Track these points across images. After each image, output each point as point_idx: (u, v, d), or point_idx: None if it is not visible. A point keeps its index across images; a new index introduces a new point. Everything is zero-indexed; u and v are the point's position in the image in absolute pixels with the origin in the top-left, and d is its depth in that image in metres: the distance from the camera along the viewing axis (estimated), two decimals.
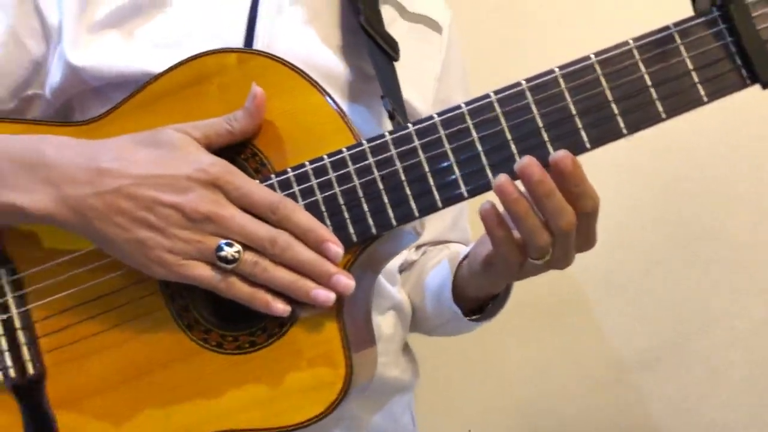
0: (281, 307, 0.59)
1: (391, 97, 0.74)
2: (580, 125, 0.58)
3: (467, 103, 0.60)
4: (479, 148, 0.59)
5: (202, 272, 0.57)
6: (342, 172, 0.61)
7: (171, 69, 0.65)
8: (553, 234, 0.59)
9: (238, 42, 0.74)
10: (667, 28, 0.58)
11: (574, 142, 0.58)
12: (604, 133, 0.58)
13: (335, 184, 0.61)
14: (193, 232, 0.57)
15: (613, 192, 1.14)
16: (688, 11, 0.59)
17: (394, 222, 0.60)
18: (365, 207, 0.60)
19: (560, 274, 0.66)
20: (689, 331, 1.29)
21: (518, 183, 0.58)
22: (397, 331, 0.84)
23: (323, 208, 0.61)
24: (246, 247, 0.58)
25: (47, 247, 0.64)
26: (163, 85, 0.64)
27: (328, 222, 0.61)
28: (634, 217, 1.23)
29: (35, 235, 0.64)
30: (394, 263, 0.86)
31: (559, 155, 0.57)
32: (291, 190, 0.61)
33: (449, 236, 0.94)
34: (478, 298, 0.79)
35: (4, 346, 0.62)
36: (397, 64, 0.80)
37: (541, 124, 0.58)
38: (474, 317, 0.80)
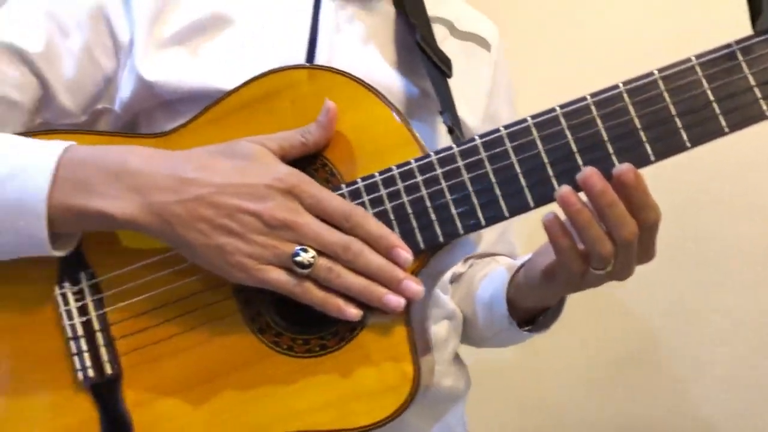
0: (353, 312, 0.61)
1: (447, 112, 0.77)
2: (644, 139, 0.60)
3: (533, 117, 0.62)
4: (545, 159, 0.61)
5: (279, 276, 0.60)
6: (410, 182, 0.63)
7: (243, 85, 0.67)
8: (615, 244, 0.61)
9: (301, 56, 0.77)
10: (729, 45, 0.60)
11: (638, 155, 0.60)
12: (669, 147, 0.60)
13: (403, 194, 0.63)
14: (271, 238, 0.59)
15: None
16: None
17: (461, 231, 0.62)
18: (433, 216, 0.63)
19: None
20: (670, 327, 1.32)
21: (581, 195, 0.60)
22: (450, 340, 0.86)
23: (392, 217, 0.63)
24: (320, 253, 0.60)
25: (124, 252, 0.66)
26: (236, 100, 0.67)
27: (396, 230, 0.63)
28: None
29: (113, 241, 0.66)
30: (446, 274, 0.88)
31: (623, 168, 0.59)
32: (361, 200, 0.63)
33: (496, 249, 0.96)
34: (528, 310, 0.81)
35: (84, 347, 0.65)
36: (449, 81, 0.83)
37: (606, 138, 0.60)
38: (526, 329, 0.81)
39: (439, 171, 0.63)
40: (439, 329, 0.83)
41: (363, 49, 0.81)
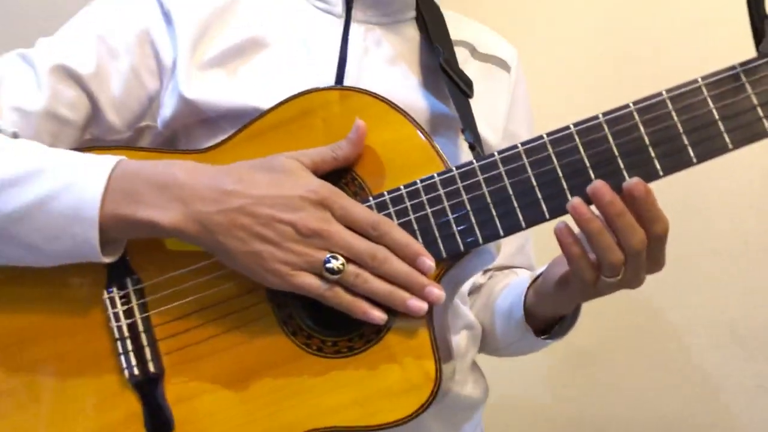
0: (378, 315, 0.65)
1: (469, 130, 0.81)
2: (653, 155, 0.64)
3: (548, 134, 0.66)
4: (559, 173, 0.65)
5: (311, 281, 0.64)
6: (433, 195, 0.68)
7: (279, 104, 0.73)
8: (624, 253, 0.65)
9: (330, 79, 0.82)
10: (733, 67, 0.64)
11: (647, 171, 0.64)
12: (676, 163, 0.64)
13: (427, 206, 0.68)
14: (304, 246, 0.64)
15: None
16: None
17: (481, 240, 0.67)
18: (454, 227, 0.67)
19: None
20: (630, 325, 1.37)
21: (593, 208, 0.64)
22: (468, 349, 0.90)
23: (416, 227, 0.67)
24: (349, 260, 0.64)
25: (166, 260, 0.71)
26: (273, 119, 0.72)
27: (420, 239, 0.67)
28: None
29: (156, 249, 0.71)
30: (465, 286, 0.92)
31: (632, 182, 0.63)
32: (387, 211, 0.68)
33: (515, 261, 0.99)
34: (546, 318, 0.84)
35: (129, 347, 0.70)
36: (471, 101, 0.87)
37: (617, 153, 0.64)
38: (543, 336, 0.85)
39: (460, 184, 0.67)
40: (458, 339, 0.87)
41: (389, 70, 0.86)
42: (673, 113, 0.64)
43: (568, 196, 0.65)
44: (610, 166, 0.64)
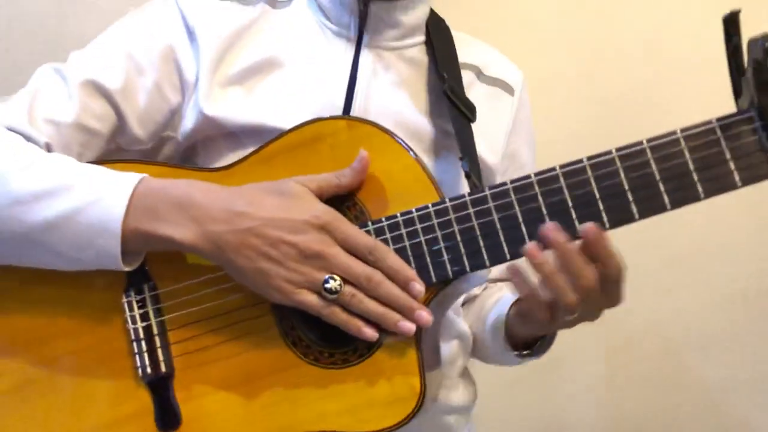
0: (371, 333, 0.71)
1: (467, 156, 0.86)
2: (630, 199, 0.69)
3: (536, 174, 0.72)
4: (544, 211, 0.71)
5: (311, 299, 0.70)
6: (427, 224, 0.73)
7: (293, 129, 0.78)
8: (577, 293, 0.70)
9: (340, 99, 0.88)
10: (710, 122, 0.69)
11: (624, 217, 0.69)
12: (652, 209, 0.69)
13: (420, 234, 0.73)
14: (306, 266, 0.70)
15: None
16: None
17: (468, 269, 0.72)
18: (444, 255, 0.73)
19: None
20: (588, 329, 1.42)
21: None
22: (459, 358, 0.95)
23: (409, 253, 0.73)
24: (346, 281, 0.71)
25: (181, 270, 0.77)
26: (285, 142, 0.78)
27: (412, 264, 0.73)
28: None
29: (173, 260, 0.77)
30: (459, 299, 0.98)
31: (585, 226, 0.69)
32: (384, 236, 0.74)
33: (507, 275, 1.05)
34: (526, 338, 0.90)
35: (144, 347, 0.76)
36: (473, 123, 0.92)
37: (597, 196, 0.70)
38: (526, 352, 0.91)
39: (452, 216, 0.73)
40: (450, 347, 0.93)
41: (397, 94, 0.91)
42: (652, 162, 0.69)
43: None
44: (591, 208, 0.70)
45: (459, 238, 0.73)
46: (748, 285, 1.44)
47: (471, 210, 0.73)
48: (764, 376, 1.45)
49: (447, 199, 0.74)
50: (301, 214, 0.71)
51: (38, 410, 0.76)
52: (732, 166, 0.68)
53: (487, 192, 0.73)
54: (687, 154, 0.69)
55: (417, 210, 0.74)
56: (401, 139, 0.77)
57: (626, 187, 0.70)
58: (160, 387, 0.76)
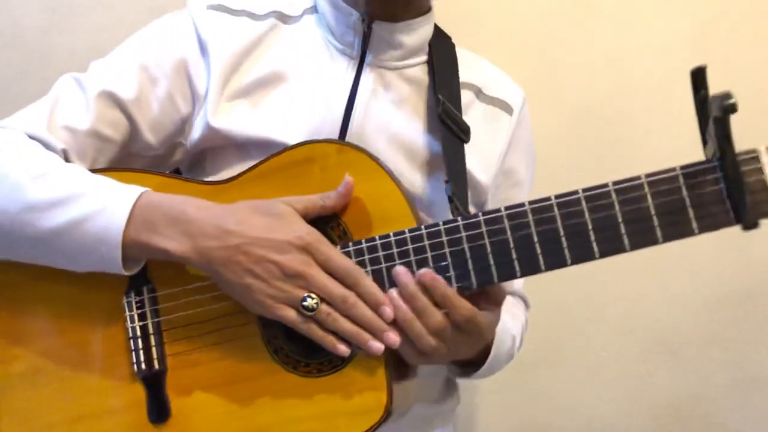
0: (343, 349, 0.77)
1: (454, 179, 0.89)
2: (593, 239, 0.73)
3: (506, 208, 0.76)
4: (511, 245, 0.75)
5: (290, 314, 0.76)
6: (402, 249, 0.78)
7: (288, 149, 0.84)
8: (433, 336, 0.75)
9: (339, 116, 0.92)
10: (673, 169, 0.72)
11: (585, 252, 0.73)
12: (611, 249, 0.73)
13: (396, 257, 0.78)
14: (287, 284, 0.76)
15: None
16: None
17: None
18: None
19: None
20: (566, 335, 1.48)
21: None
22: (440, 369, 1.00)
23: (385, 275, 0.78)
24: (323, 300, 0.76)
25: (179, 275, 0.84)
26: (278, 162, 0.84)
27: (387, 286, 0.78)
28: None
29: (172, 265, 0.84)
30: None
31: (421, 272, 0.76)
32: (362, 257, 0.79)
33: None
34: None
35: (140, 345, 0.83)
36: (467, 144, 0.95)
37: (562, 233, 0.74)
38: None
39: (426, 242, 0.78)
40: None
41: (395, 113, 0.95)
42: (616, 203, 0.73)
43: (516, 266, 0.75)
44: (554, 245, 0.74)
45: (431, 264, 0.77)
46: (711, 292, 1.48)
47: (444, 238, 0.77)
48: (737, 380, 1.47)
49: (423, 227, 0.78)
50: (285, 234, 0.76)
51: (43, 396, 0.84)
52: (691, 213, 0.71)
53: (460, 222, 0.77)
54: (650, 199, 0.72)
55: (394, 234, 0.79)
56: (386, 166, 0.82)
57: (590, 226, 0.73)
58: (154, 382, 0.83)
